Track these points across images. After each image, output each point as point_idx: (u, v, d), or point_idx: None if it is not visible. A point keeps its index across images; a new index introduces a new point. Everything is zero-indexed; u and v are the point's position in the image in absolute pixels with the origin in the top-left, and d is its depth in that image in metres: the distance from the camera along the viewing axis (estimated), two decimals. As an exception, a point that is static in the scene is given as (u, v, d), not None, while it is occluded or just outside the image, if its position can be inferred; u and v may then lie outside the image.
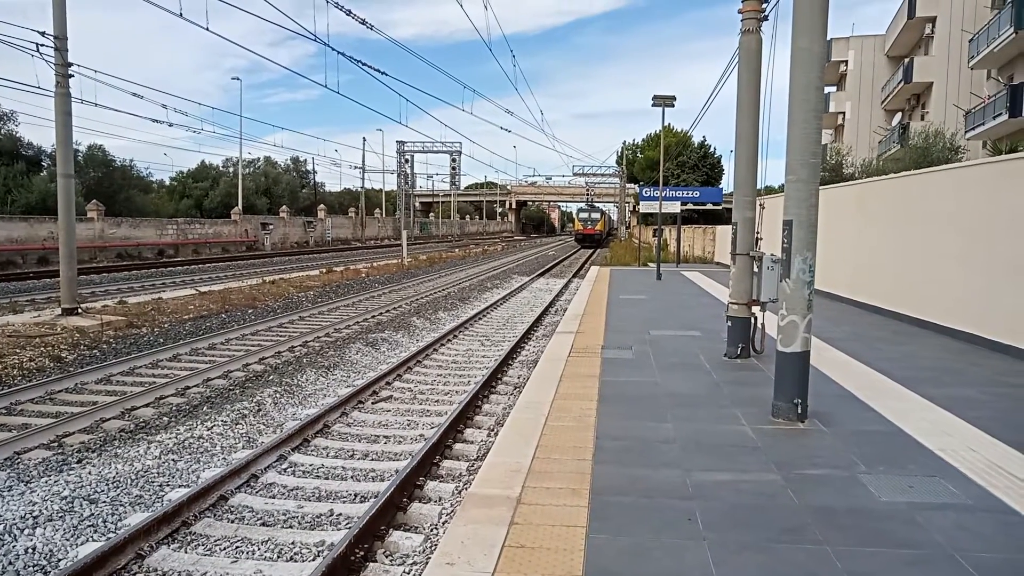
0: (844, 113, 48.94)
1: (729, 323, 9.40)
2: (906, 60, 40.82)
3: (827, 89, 45.56)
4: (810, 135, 6.22)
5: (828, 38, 6.53)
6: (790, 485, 4.87)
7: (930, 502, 4.60)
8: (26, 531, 5.42)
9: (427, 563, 4.00)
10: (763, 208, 10.07)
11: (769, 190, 37.26)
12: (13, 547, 5.15)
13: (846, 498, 4.67)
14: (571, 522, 4.29)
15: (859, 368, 8.72)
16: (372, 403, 9.23)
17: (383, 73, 21.09)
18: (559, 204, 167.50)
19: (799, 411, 6.32)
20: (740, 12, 9.44)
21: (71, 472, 6.70)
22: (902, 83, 40.40)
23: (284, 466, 6.92)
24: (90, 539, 5.34)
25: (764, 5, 9.36)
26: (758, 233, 9.57)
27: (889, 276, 13.45)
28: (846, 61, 47.77)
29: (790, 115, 6.28)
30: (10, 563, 4.93)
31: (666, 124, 26.00)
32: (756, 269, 8.90)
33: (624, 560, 3.82)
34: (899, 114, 44.94)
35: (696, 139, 60.47)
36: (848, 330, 11.71)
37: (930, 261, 11.69)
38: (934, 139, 29.49)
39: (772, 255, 8.58)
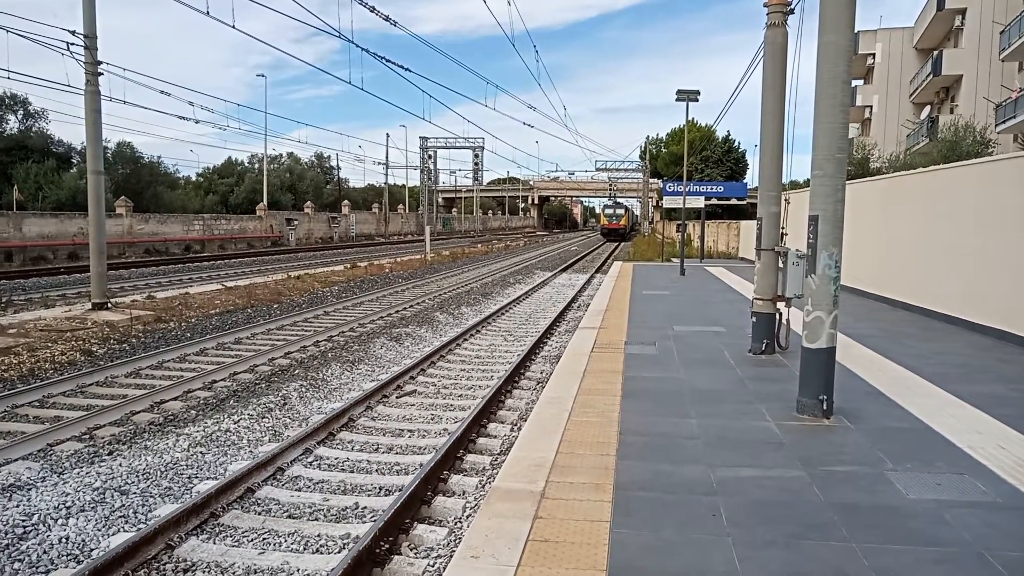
0: (871, 107, 48.30)
1: (754, 319, 9.35)
2: (935, 53, 40.17)
3: (854, 82, 44.97)
4: (837, 130, 6.16)
5: (855, 31, 6.45)
6: (815, 482, 4.85)
7: (958, 500, 4.56)
8: (59, 521, 5.54)
9: (451, 556, 4.04)
10: (788, 203, 9.98)
11: (794, 185, 36.95)
12: (47, 536, 5.27)
13: (873, 495, 4.64)
14: (595, 517, 4.30)
15: (886, 364, 8.64)
16: (396, 397, 9.30)
17: (406, 69, 21.26)
18: (581, 199, 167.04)
19: (824, 407, 6.28)
20: (766, 6, 9.36)
21: (102, 464, 6.83)
22: (931, 76, 39.74)
23: (310, 459, 7.00)
24: (121, 529, 5.45)
25: (790, -2, 9.27)
26: (783, 228, 9.49)
27: (917, 271, 13.28)
28: (873, 54, 47.11)
29: (816, 109, 6.22)
30: (44, 552, 5.05)
31: (690, 119, 25.82)
32: (781, 265, 8.84)
33: (648, 555, 3.83)
34: (928, 107, 44.26)
35: (720, 134, 60.00)
36: (874, 326, 11.59)
37: (959, 256, 11.52)
38: (964, 133, 28.99)
39: (797, 250, 8.51)
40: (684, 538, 4.02)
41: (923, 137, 37.88)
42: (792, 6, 9.29)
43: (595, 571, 3.66)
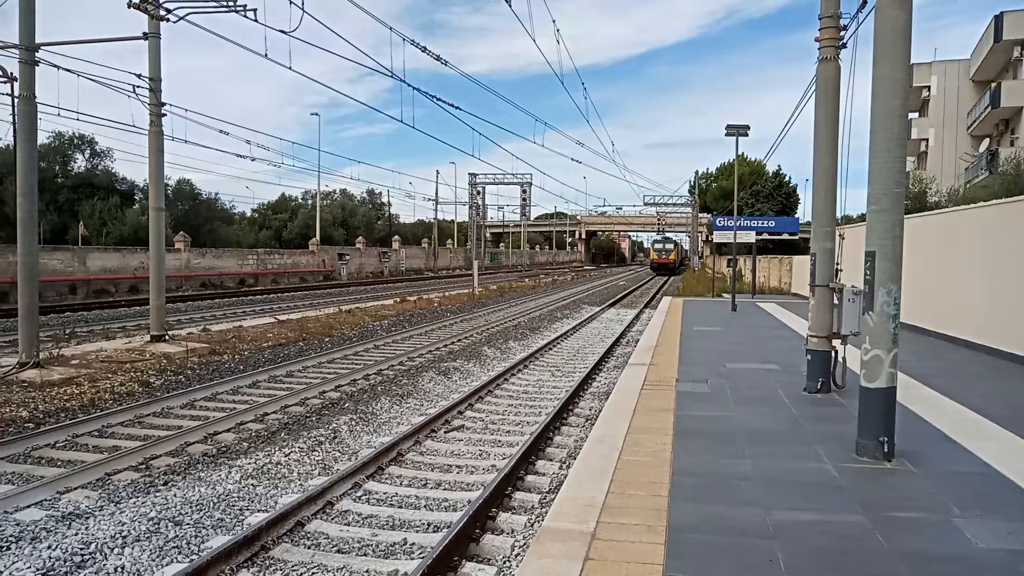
0: (927, 140, 47.32)
1: (809, 356, 9.12)
2: (993, 84, 39.28)
3: (909, 115, 44.19)
4: (893, 164, 6.04)
5: (910, 63, 6.36)
6: (878, 528, 4.66)
7: (1032, 550, 4.33)
8: (116, 550, 5.63)
9: (501, 596, 3.98)
10: (843, 238, 9.78)
11: (847, 220, 36.25)
12: (104, 565, 5.35)
13: (940, 544, 4.44)
14: (647, 559, 4.20)
15: (951, 406, 8.33)
16: (444, 432, 9.29)
17: (456, 107, 21.50)
18: (629, 234, 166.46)
19: (885, 449, 6.06)
20: (817, 40, 9.28)
21: (157, 494, 6.95)
22: (989, 108, 38.83)
23: (359, 494, 7.01)
24: (175, 560, 5.50)
25: (842, 33, 9.19)
26: (838, 264, 9.30)
27: (982, 308, 12.84)
28: (929, 87, 46.30)
29: (872, 144, 6.12)
30: (100, 581, 5.13)
31: (740, 153, 25.63)
32: (836, 301, 8.64)
33: (703, 601, 3.72)
34: (986, 140, 43.18)
35: (771, 168, 59.46)
36: (936, 365, 11.21)
37: (1025, 293, 11.11)
38: (1026, 166, 28.13)
39: (853, 287, 8.33)
40: (740, 584, 3.90)
41: (983, 170, 36.89)
42: (845, 40, 9.20)
43: (648, 616, 3.56)
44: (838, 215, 9.55)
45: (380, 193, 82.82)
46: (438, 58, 18.57)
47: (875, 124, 6.10)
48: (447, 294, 34.65)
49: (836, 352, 8.95)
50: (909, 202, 28.45)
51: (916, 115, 48.89)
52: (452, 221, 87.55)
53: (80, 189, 47.34)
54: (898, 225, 6.06)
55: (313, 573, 5.30)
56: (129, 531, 5.99)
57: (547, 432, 8.99)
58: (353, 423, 9.77)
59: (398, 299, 29.94)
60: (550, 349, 16.98)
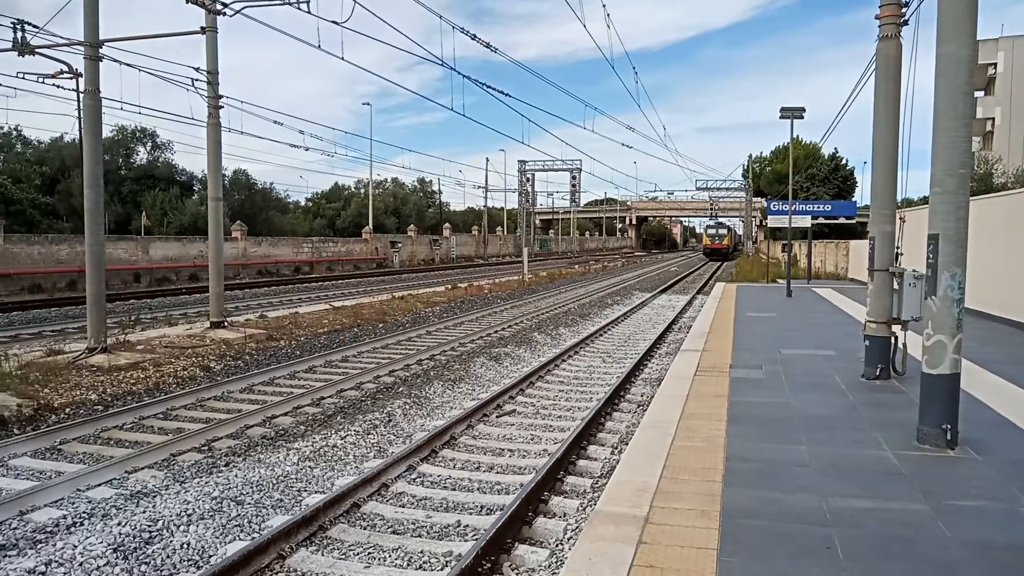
0: (993, 119, 45.56)
1: (867, 342, 8.92)
2: (1066, 60, 37.58)
3: (975, 94, 42.59)
4: (958, 144, 5.85)
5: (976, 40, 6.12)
6: (940, 516, 4.56)
7: (1105, 542, 4.18)
8: (181, 527, 5.84)
9: (555, 578, 4.01)
10: (903, 221, 9.51)
11: (907, 203, 35.18)
12: (171, 542, 5.56)
13: (1006, 533, 4.32)
14: (701, 544, 4.19)
15: (1017, 393, 8.06)
16: (496, 416, 9.37)
17: (506, 95, 21.47)
18: (681, 219, 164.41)
19: (948, 437, 5.91)
20: (877, 18, 9.00)
21: (220, 474, 7.18)
22: (1061, 85, 37.19)
23: (413, 476, 7.13)
24: (237, 538, 5.69)
25: (904, 9, 8.90)
26: (898, 248, 9.05)
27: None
28: (995, 64, 44.50)
29: (935, 124, 5.93)
30: (168, 557, 5.34)
31: (795, 136, 25.05)
32: (896, 286, 8.42)
33: (758, 586, 3.69)
34: (1058, 118, 41.38)
35: (826, 151, 57.95)
36: (1002, 351, 10.84)
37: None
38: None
39: (914, 271, 8.10)
40: (796, 570, 3.86)
41: (1053, 150, 35.38)
42: (906, 17, 8.91)
43: (703, 600, 3.55)
44: (898, 198, 9.29)
45: (431, 182, 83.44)
46: (488, 45, 18.57)
47: (939, 103, 5.91)
48: (497, 281, 34.78)
49: (895, 338, 8.73)
50: (974, 184, 27.48)
51: (982, 94, 47.05)
52: (502, 208, 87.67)
53: (142, 181, 48.84)
54: (963, 207, 5.87)
55: (369, 553, 5.42)
56: (194, 509, 6.20)
57: (598, 417, 8.99)
58: (407, 407, 9.91)
59: (449, 286, 30.17)
60: (600, 335, 16.93)
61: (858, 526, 4.43)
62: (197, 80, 16.09)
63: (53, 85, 16.07)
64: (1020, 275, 13.51)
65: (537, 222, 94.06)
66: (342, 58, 18.35)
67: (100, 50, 13.26)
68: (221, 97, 16.54)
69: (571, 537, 5.58)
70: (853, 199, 51.33)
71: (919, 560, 3.97)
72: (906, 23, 8.91)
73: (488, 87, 20.27)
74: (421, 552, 5.41)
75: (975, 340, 11.27)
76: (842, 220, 37.49)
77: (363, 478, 6.62)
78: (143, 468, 7.24)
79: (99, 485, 6.75)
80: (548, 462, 6.94)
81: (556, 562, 5.15)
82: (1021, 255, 13.40)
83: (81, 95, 14.45)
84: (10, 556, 5.30)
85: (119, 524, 5.85)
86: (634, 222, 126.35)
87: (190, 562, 5.28)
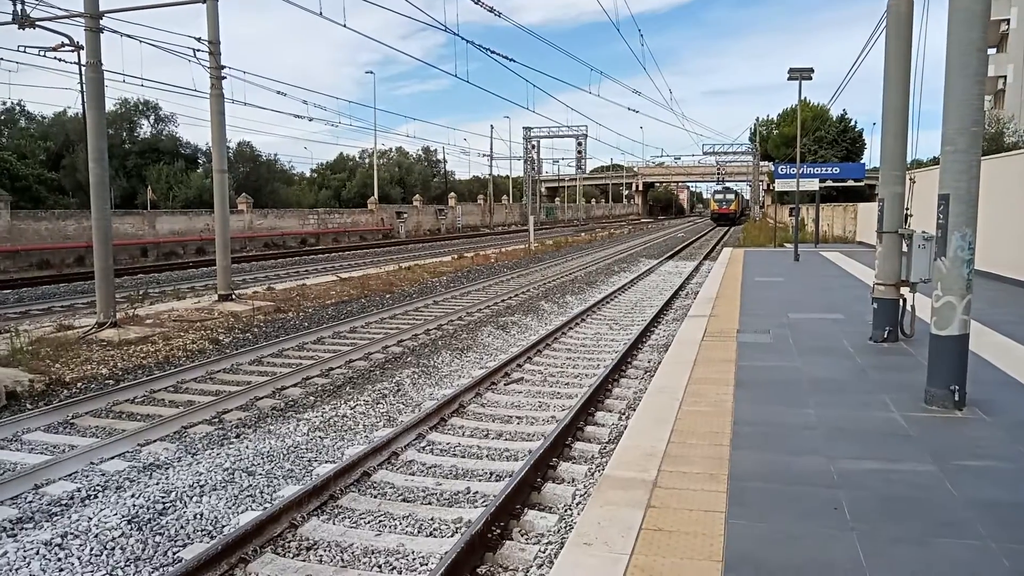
0: (1005, 77, 44.80)
1: (875, 305, 8.88)
2: (1080, 15, 36.84)
3: (988, 50, 41.82)
4: (970, 102, 5.75)
5: (990, -6, 5.98)
6: (948, 477, 4.56)
7: (1113, 500, 4.18)
8: (194, 498, 5.91)
9: (563, 543, 4.05)
10: (913, 182, 9.41)
11: (917, 165, 34.81)
12: (184, 512, 5.63)
13: (1013, 492, 4.32)
14: (709, 507, 4.21)
15: (1026, 353, 8.03)
16: (504, 384, 9.40)
17: (510, 60, 21.28)
18: (688, 184, 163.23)
19: (956, 398, 5.90)
20: (887, -27, 8.82)
21: (231, 446, 7.24)
22: (1075, 41, 36.49)
23: (422, 444, 7.18)
24: (249, 508, 5.75)
25: (915, -37, 8.70)
26: (908, 210, 8.96)
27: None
28: (1008, 20, 43.64)
29: (947, 81, 5.82)
30: (182, 527, 5.40)
31: (802, 98, 24.74)
32: (906, 248, 8.36)
33: (766, 547, 3.71)
34: (1071, 75, 40.68)
35: (835, 113, 57.24)
36: (1011, 312, 10.79)
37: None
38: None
39: (924, 232, 8.03)
40: (804, 531, 3.88)
41: (1066, 108, 34.85)
42: (917, -28, 8.71)
43: (711, 562, 3.58)
44: (908, 159, 9.17)
45: (435, 151, 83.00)
46: (491, 10, 18.33)
47: (951, 59, 5.80)
48: (503, 250, 34.72)
49: (904, 300, 8.69)
50: (985, 143, 27.08)
51: (994, 51, 46.23)
52: (507, 176, 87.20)
53: (147, 154, 48.68)
54: (974, 166, 5.79)
55: (380, 521, 5.48)
56: (206, 480, 6.27)
57: (606, 384, 9.02)
58: (415, 376, 9.96)
59: (455, 256, 30.14)
60: (607, 303, 16.92)
61: (865, 487, 4.44)
62: (199, 51, 15.98)
63: (55, 58, 16.01)
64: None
65: (543, 190, 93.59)
66: (344, 25, 18.17)
67: (101, 21, 13.14)
68: (223, 68, 16.40)
69: (580, 502, 5.62)
70: (862, 161, 50.86)
71: (926, 520, 3.98)
72: (917, -22, 8.72)
73: (492, 52, 20.11)
74: (431, 519, 5.45)
75: (984, 301, 11.21)
76: (851, 183, 37.20)
77: (373, 447, 6.67)
78: (155, 441, 7.31)
79: (112, 458, 6.82)
80: (556, 428, 6.97)
81: (565, 527, 5.19)
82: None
83: (83, 68, 14.34)
84: (27, 529, 5.38)
85: (133, 496, 5.92)
86: (640, 188, 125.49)
87: (203, 532, 5.35)
